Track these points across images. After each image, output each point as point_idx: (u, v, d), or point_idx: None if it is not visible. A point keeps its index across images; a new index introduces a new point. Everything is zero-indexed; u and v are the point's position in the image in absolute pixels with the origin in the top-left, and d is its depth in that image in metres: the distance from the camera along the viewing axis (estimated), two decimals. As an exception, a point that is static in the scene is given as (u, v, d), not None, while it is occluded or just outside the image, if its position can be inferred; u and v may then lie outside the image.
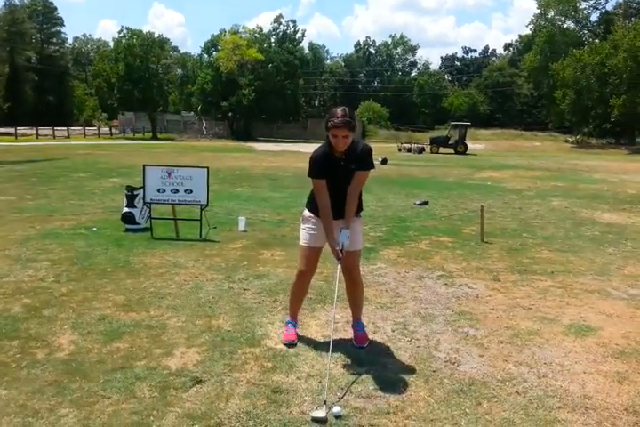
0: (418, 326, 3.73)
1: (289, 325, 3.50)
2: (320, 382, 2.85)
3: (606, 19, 51.77)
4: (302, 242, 3.38)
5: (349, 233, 3.17)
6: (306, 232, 3.35)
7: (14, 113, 55.36)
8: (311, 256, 3.37)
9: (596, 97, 42.38)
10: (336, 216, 3.19)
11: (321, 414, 2.49)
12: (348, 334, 3.50)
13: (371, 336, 3.50)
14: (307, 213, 3.37)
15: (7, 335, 3.37)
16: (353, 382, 2.87)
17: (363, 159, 3.17)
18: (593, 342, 3.51)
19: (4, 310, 3.81)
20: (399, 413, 2.58)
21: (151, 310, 3.91)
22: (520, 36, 66.45)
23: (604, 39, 44.84)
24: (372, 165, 3.25)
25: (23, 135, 38.60)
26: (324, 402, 2.56)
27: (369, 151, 3.21)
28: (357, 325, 3.47)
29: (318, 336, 3.50)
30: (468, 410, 2.61)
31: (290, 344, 3.31)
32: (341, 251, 3.15)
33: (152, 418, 2.48)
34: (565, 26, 53.51)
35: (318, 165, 3.15)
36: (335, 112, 3.04)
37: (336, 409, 2.53)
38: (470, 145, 35.59)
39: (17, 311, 3.80)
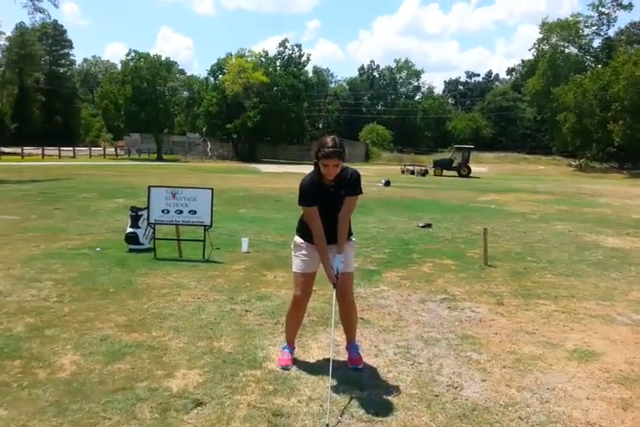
0: (420, 349, 3.72)
1: (285, 349, 3.50)
2: (321, 405, 2.83)
3: (609, 44, 52.51)
4: (296, 269, 3.39)
5: (343, 258, 3.23)
6: (299, 259, 3.37)
7: (21, 133, 56.09)
8: (306, 282, 3.40)
9: (597, 121, 42.71)
10: (328, 241, 3.23)
11: None
12: (350, 357, 3.48)
13: (373, 360, 3.49)
14: (298, 239, 3.39)
15: (9, 355, 3.37)
16: (354, 406, 2.85)
17: (352, 185, 3.24)
18: (596, 367, 3.48)
19: (7, 330, 3.81)
20: (401, 438, 2.55)
21: (153, 330, 3.91)
22: (523, 60, 67.36)
23: (606, 65, 45.43)
24: (360, 191, 3.32)
25: (29, 155, 39.04)
26: (327, 426, 2.54)
27: (358, 177, 3.28)
28: (352, 347, 3.48)
29: (320, 359, 3.49)
30: (470, 436, 2.59)
31: (285, 369, 3.31)
32: (336, 276, 3.20)
33: (152, 441, 2.47)
34: (568, 51, 54.28)
35: (308, 193, 3.21)
36: (325, 142, 3.10)
37: None
38: (474, 168, 35.79)
39: (19, 331, 3.80)
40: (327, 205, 3.22)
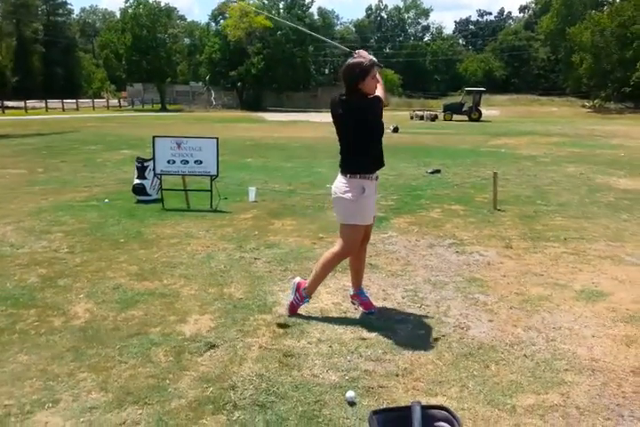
0: (428, 292, 3.76)
1: (306, 299, 3.33)
2: (330, 346, 2.90)
3: (628, -23, 49.67)
4: (359, 221, 3.13)
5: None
6: (362, 208, 3.11)
7: (23, 86, 55.29)
8: (362, 234, 3.23)
9: (616, 60, 41.10)
10: (377, 168, 3.18)
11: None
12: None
13: (381, 303, 3.54)
14: (358, 180, 3.07)
15: (25, 304, 3.46)
16: (362, 347, 2.92)
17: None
18: (603, 307, 3.51)
19: (21, 281, 3.89)
20: (408, 375, 2.62)
21: (164, 279, 3.97)
22: (536, -3, 64.33)
23: (625, -1, 43.19)
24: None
25: (33, 108, 38.69)
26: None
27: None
28: (362, 293, 3.45)
29: (328, 303, 3.54)
30: (475, 372, 2.65)
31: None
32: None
33: (168, 381, 2.55)
34: (584, -14, 51.52)
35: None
36: (360, 61, 3.03)
37: (349, 394, 2.42)
38: (485, 111, 34.89)
39: (33, 281, 3.88)
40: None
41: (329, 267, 3.31)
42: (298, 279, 3.38)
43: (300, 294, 3.29)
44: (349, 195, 3.07)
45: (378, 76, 3.13)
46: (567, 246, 4.91)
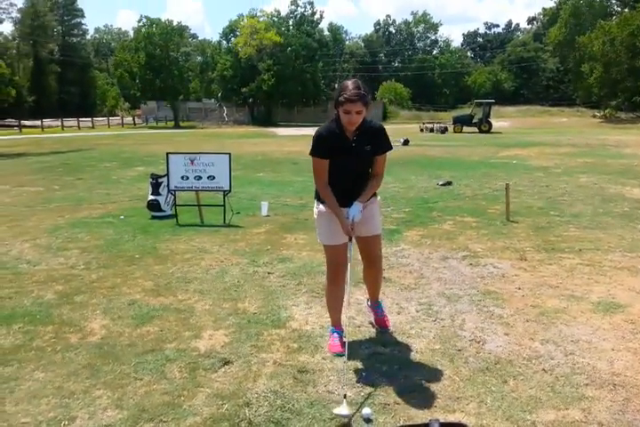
0: (442, 306, 3.73)
1: (334, 334, 3.12)
2: (345, 362, 2.88)
3: (636, -14, 49.69)
4: (322, 241, 3.06)
5: (362, 207, 2.87)
6: (323, 230, 3.02)
7: (40, 105, 56.38)
8: (338, 253, 3.00)
9: (625, 69, 40.94)
10: (346, 204, 2.89)
11: (344, 411, 2.34)
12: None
13: (395, 317, 3.52)
14: (320, 207, 3.02)
15: (41, 321, 3.49)
16: (377, 362, 2.89)
17: (378, 141, 2.88)
18: (622, 319, 3.46)
19: (38, 297, 3.93)
20: (424, 391, 2.59)
21: (179, 294, 3.99)
22: (544, 9, 64.46)
23: (634, 9, 43.14)
24: (389, 146, 2.93)
25: (49, 127, 39.35)
26: (345, 396, 2.43)
27: (383, 130, 2.91)
28: (378, 307, 3.36)
29: (343, 318, 3.52)
30: (493, 388, 2.62)
31: (340, 355, 2.92)
32: (352, 227, 2.87)
33: (183, 398, 2.55)
34: (592, -4, 51.59)
35: (324, 143, 2.83)
36: (346, 85, 2.71)
37: (366, 411, 2.36)
38: (495, 123, 34.87)
39: (50, 298, 3.92)
40: (346, 161, 2.85)
41: (326, 295, 3.24)
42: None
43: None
44: (314, 210, 3.11)
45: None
46: (582, 258, 4.86)
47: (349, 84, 2.73)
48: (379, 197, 3.20)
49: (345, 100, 2.69)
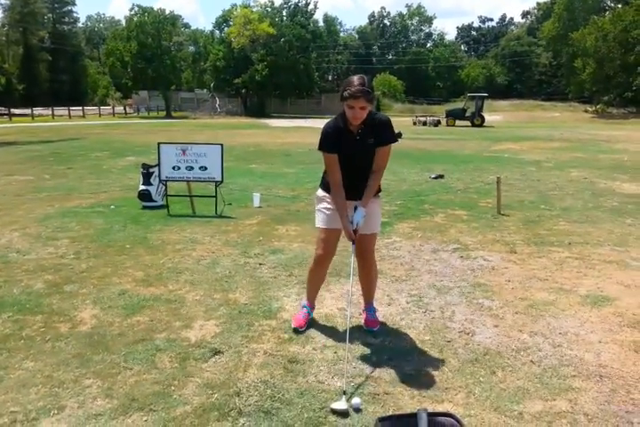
0: (432, 297, 3.75)
1: (303, 309, 3.31)
2: (335, 352, 2.90)
3: (630, -18, 49.77)
4: (319, 224, 3.13)
5: (365, 212, 2.90)
6: (322, 213, 3.10)
7: (30, 94, 55.71)
8: (330, 239, 3.11)
9: (618, 65, 41.11)
10: (351, 197, 2.94)
11: (342, 406, 2.35)
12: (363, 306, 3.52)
13: (385, 308, 3.53)
14: (320, 192, 3.14)
15: (31, 311, 3.47)
16: (367, 353, 2.91)
17: (382, 133, 2.91)
18: (609, 312, 3.49)
19: (27, 287, 3.91)
20: (413, 382, 2.61)
21: (169, 284, 3.98)
22: (538, 3, 64.57)
23: (627, 4, 43.23)
24: (393, 138, 2.97)
25: (39, 116, 38.92)
26: (344, 392, 2.45)
27: (388, 122, 2.94)
28: (370, 309, 3.32)
29: (333, 309, 3.54)
30: (482, 379, 2.64)
31: (297, 330, 3.14)
32: (355, 232, 2.92)
33: (173, 388, 2.55)
34: (585, -9, 51.63)
35: (330, 138, 2.90)
36: (352, 81, 2.76)
37: (355, 401, 2.39)
38: (487, 117, 34.99)
39: (39, 287, 3.89)
40: (351, 155, 2.91)
41: (308, 273, 3.35)
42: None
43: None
44: (317, 194, 3.22)
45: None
46: (571, 251, 4.90)
47: (355, 79, 2.78)
48: (381, 195, 3.18)
49: (349, 95, 2.74)
